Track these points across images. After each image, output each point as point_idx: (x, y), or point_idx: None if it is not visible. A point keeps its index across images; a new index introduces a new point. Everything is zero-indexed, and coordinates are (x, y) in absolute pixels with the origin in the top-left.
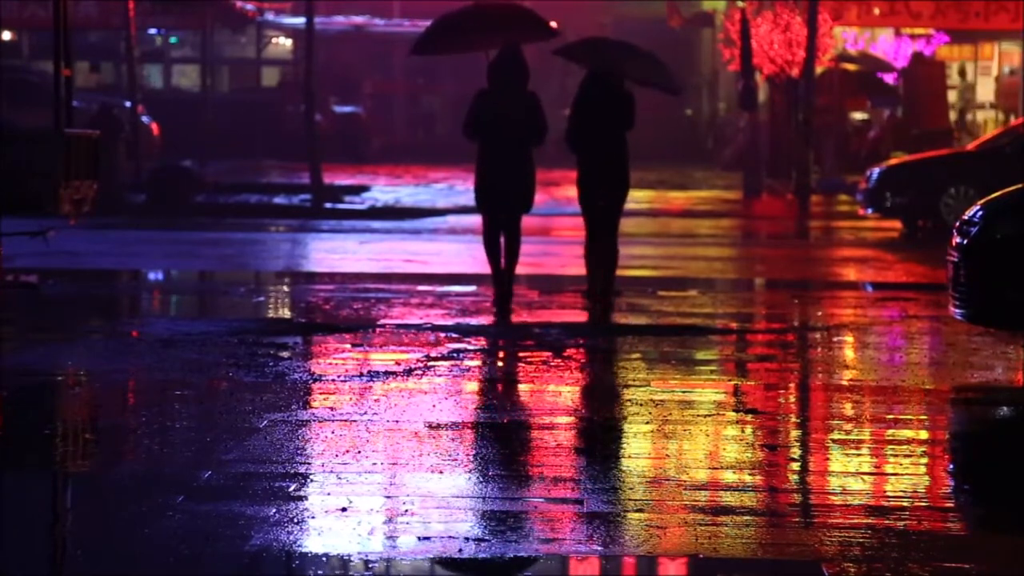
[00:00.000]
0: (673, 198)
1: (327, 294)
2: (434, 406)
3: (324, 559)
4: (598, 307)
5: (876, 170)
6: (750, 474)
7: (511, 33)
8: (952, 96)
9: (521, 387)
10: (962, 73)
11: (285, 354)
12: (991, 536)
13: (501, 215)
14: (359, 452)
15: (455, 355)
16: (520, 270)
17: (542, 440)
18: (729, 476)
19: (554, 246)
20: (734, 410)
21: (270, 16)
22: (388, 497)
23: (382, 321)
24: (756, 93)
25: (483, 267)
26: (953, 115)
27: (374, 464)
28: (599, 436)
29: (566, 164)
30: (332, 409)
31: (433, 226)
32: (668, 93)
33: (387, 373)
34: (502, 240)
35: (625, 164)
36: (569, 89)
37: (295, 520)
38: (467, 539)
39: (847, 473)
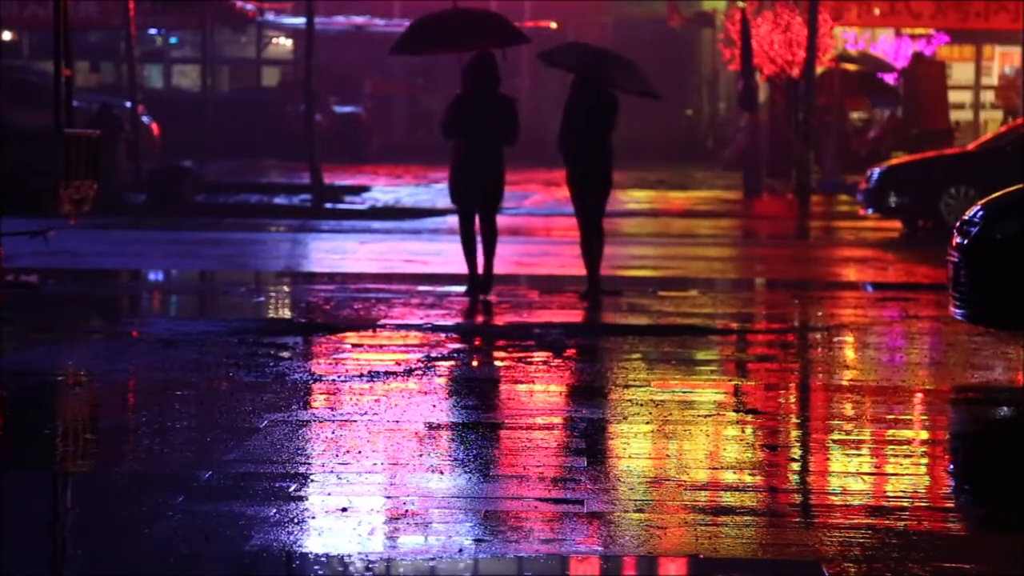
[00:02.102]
0: (673, 198)
1: (327, 294)
2: (434, 406)
3: (324, 559)
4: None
5: (876, 170)
6: (750, 474)
7: (485, 37)
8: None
9: (521, 387)
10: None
11: (285, 354)
12: (991, 536)
13: (475, 210)
14: (359, 452)
15: (455, 355)
16: (520, 270)
17: (542, 440)
18: (729, 476)
19: (554, 246)
20: (734, 410)
21: (270, 16)
22: (388, 497)
23: (382, 321)
24: (756, 93)
25: None
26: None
27: (374, 464)
28: (599, 436)
29: None
30: (332, 409)
31: (433, 226)
32: (650, 97)
33: (387, 373)
34: (477, 235)
35: (608, 164)
36: None
37: (295, 520)
38: (467, 539)
39: (847, 473)
